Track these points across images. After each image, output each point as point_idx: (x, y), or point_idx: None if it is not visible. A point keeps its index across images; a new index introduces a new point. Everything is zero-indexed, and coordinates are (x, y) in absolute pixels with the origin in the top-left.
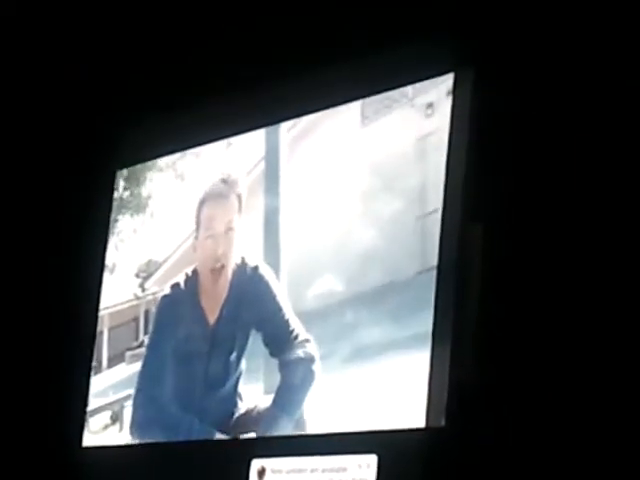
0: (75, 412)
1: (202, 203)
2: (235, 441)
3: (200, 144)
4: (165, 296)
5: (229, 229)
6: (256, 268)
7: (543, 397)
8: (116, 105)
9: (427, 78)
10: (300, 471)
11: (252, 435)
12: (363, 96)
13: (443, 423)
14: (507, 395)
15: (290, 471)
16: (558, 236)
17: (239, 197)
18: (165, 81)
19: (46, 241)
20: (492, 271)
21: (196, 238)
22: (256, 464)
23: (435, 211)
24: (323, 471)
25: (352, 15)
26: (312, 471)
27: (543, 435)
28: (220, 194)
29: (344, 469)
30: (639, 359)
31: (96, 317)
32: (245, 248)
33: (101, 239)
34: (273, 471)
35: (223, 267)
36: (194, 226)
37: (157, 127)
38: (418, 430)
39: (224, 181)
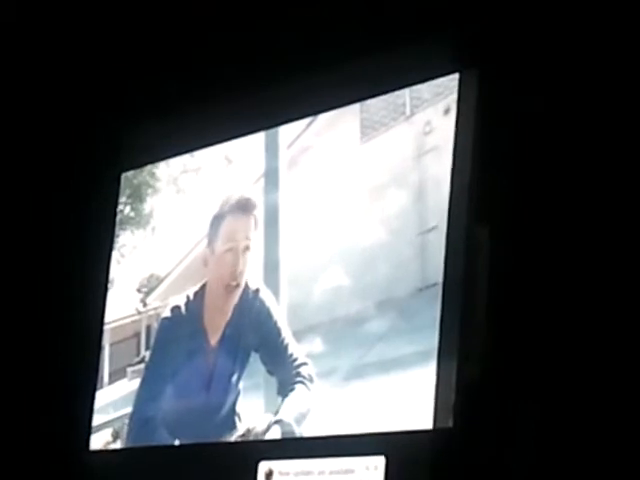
0: (83, 416)
1: (221, 216)
2: (242, 443)
3: (202, 147)
4: (165, 318)
5: (247, 248)
6: (257, 291)
7: (550, 398)
8: (118, 109)
9: (432, 79)
10: (307, 473)
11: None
12: (365, 98)
13: (451, 424)
14: (514, 396)
15: (297, 473)
16: (565, 241)
17: (256, 220)
18: (166, 84)
19: (49, 250)
20: (499, 273)
21: (211, 251)
22: (263, 466)
23: (435, 228)
24: (330, 473)
25: (356, 16)
26: (319, 473)
27: (550, 436)
28: (242, 211)
29: (352, 471)
30: None
31: (102, 323)
32: (248, 269)
33: (105, 248)
34: (281, 473)
35: (238, 286)
36: (206, 240)
37: (160, 129)
38: (426, 431)
39: (246, 200)
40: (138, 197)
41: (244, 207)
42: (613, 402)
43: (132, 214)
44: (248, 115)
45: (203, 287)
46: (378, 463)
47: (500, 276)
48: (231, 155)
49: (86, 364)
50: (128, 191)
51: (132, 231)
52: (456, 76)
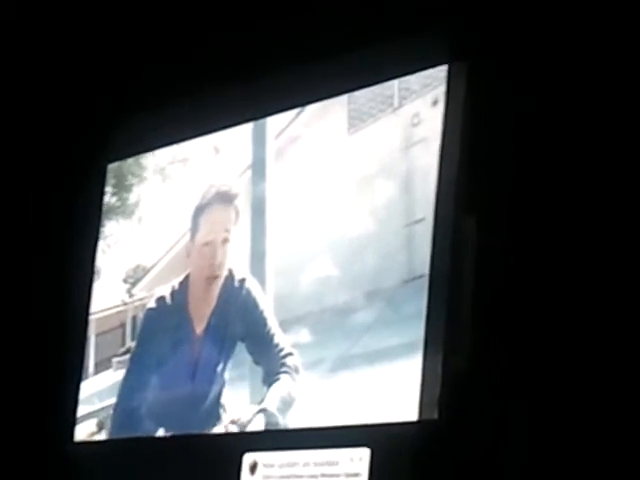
0: (67, 406)
1: (202, 208)
2: (227, 435)
3: (190, 138)
4: (150, 309)
5: (226, 240)
6: (243, 281)
7: (537, 390)
8: (105, 99)
9: (420, 71)
10: (292, 465)
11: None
12: (353, 90)
13: (436, 416)
14: (500, 387)
15: (282, 465)
16: (553, 232)
17: (237, 211)
18: (154, 75)
19: (34, 240)
20: (486, 265)
21: (192, 242)
22: (248, 458)
23: (422, 219)
24: (315, 465)
25: (345, 7)
26: (304, 465)
27: (537, 428)
28: (222, 203)
29: (336, 463)
30: (635, 355)
31: (87, 313)
32: (233, 259)
33: (91, 238)
34: (265, 465)
35: (217, 277)
36: (188, 231)
37: (147, 120)
38: (411, 423)
39: (226, 191)
40: (124, 186)
41: (223, 198)
42: (601, 394)
43: (118, 203)
44: (236, 106)
45: (187, 278)
46: (363, 455)
47: (487, 268)
48: (219, 145)
49: (71, 354)
50: (114, 180)
51: (118, 221)
52: (444, 68)
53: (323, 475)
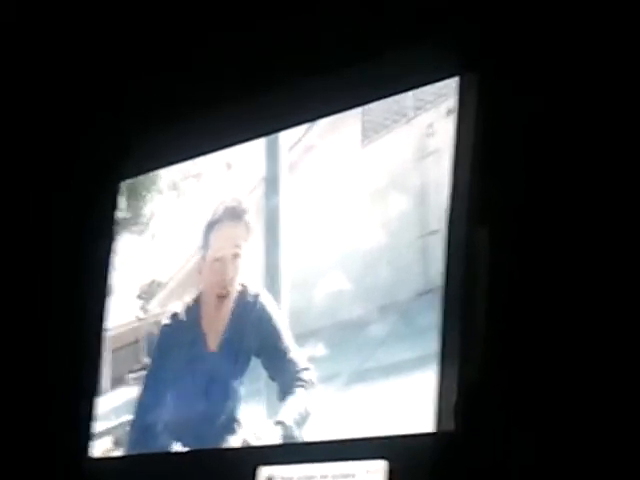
0: (83, 422)
1: (212, 225)
2: (243, 449)
3: (203, 154)
4: (165, 325)
5: (236, 255)
6: (257, 296)
7: (552, 400)
8: (117, 116)
9: (431, 83)
10: (309, 478)
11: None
12: (366, 102)
13: (452, 427)
14: (516, 399)
15: (299, 478)
16: (565, 244)
17: (247, 226)
18: (167, 92)
19: (49, 257)
20: (499, 277)
21: (203, 260)
22: (265, 472)
23: (436, 231)
24: (332, 477)
25: (355, 20)
26: (321, 477)
27: (551, 439)
28: (231, 219)
29: (353, 475)
30: None
31: (102, 330)
32: (246, 274)
33: (105, 255)
34: (282, 478)
35: (228, 294)
36: (200, 247)
37: (161, 138)
38: (427, 435)
39: (235, 207)
40: (137, 202)
41: (232, 214)
42: (614, 404)
43: (131, 219)
44: (249, 121)
45: (200, 294)
46: (379, 467)
47: (500, 279)
48: (232, 161)
49: (87, 371)
50: (127, 196)
51: (132, 237)
52: (456, 79)
53: None
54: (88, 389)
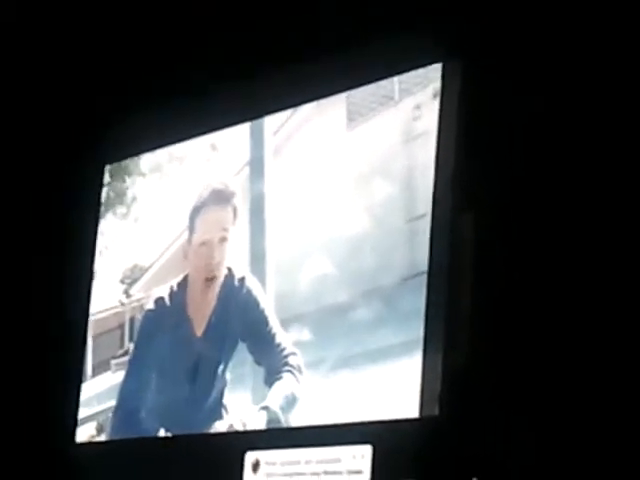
0: (68, 408)
1: (198, 209)
2: (229, 434)
3: (187, 138)
4: (149, 310)
5: (223, 239)
6: (243, 280)
7: (536, 385)
8: (103, 100)
9: (415, 69)
10: (294, 463)
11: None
12: (350, 88)
13: (437, 412)
14: (501, 385)
15: (284, 463)
16: (552, 228)
17: (235, 209)
18: (152, 76)
19: (32, 241)
20: (484, 261)
21: (189, 243)
22: (250, 457)
23: (423, 216)
24: (317, 462)
25: (339, 6)
26: (306, 462)
27: (536, 423)
28: (218, 202)
29: (338, 460)
30: (634, 354)
31: (87, 314)
32: (232, 258)
33: (90, 239)
34: (267, 463)
35: (215, 278)
36: (186, 231)
37: (145, 121)
38: (412, 420)
39: (222, 190)
40: (120, 184)
41: (219, 198)
42: (600, 390)
43: (114, 202)
44: (234, 106)
45: (185, 278)
46: (365, 452)
47: (485, 265)
48: (216, 143)
49: (72, 356)
50: (109, 178)
51: (115, 221)
52: (440, 66)
53: (326, 472)
54: (74, 374)
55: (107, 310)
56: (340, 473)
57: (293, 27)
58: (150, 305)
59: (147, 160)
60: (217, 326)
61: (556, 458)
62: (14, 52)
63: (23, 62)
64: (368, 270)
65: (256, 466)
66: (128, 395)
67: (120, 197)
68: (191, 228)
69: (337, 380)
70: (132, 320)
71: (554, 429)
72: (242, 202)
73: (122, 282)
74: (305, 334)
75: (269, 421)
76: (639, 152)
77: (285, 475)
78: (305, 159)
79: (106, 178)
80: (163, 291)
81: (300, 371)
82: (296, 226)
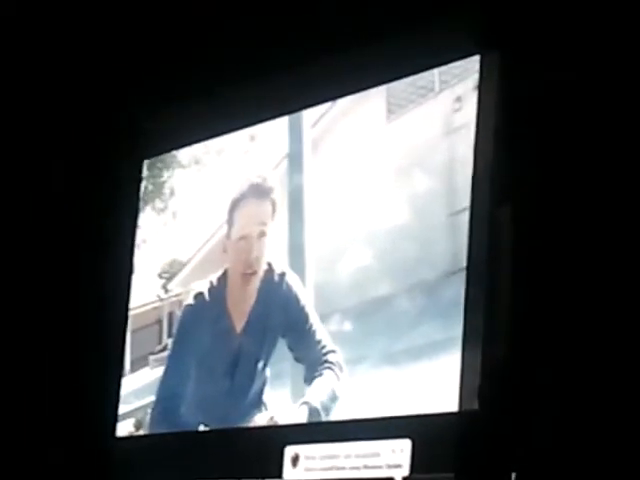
0: (109, 403)
1: (236, 203)
2: (268, 428)
3: (226, 132)
4: (188, 305)
5: (262, 233)
6: (283, 275)
7: (575, 380)
8: (140, 96)
9: (453, 61)
10: (334, 457)
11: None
12: (388, 80)
13: (476, 406)
14: (539, 378)
15: (324, 457)
16: (588, 221)
17: (274, 204)
18: (190, 70)
19: (73, 238)
20: (523, 255)
21: (228, 238)
22: (290, 451)
23: (465, 209)
24: (357, 456)
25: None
26: (346, 457)
27: (574, 417)
28: (257, 196)
29: (378, 454)
30: None
31: (127, 309)
32: (271, 253)
33: (129, 234)
34: (307, 457)
35: (255, 273)
36: (225, 225)
37: (183, 115)
38: (451, 414)
39: (260, 184)
40: (158, 179)
41: (258, 191)
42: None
43: (152, 196)
44: (272, 99)
45: (225, 273)
46: (404, 446)
47: (524, 259)
48: (255, 134)
49: (112, 351)
50: (148, 172)
51: (153, 215)
52: (478, 58)
53: (365, 467)
54: (114, 369)
55: (145, 305)
56: (380, 467)
57: (333, 19)
58: (189, 300)
59: (185, 153)
60: (257, 322)
61: (597, 453)
62: (46, 47)
63: (64, 58)
64: (410, 263)
65: (295, 460)
66: (168, 390)
67: (158, 191)
68: (230, 222)
69: (378, 377)
70: (170, 315)
71: (596, 423)
72: (281, 196)
73: (160, 277)
74: (346, 327)
75: (309, 416)
76: None
77: (324, 469)
78: (344, 152)
79: (144, 172)
80: (202, 286)
81: (340, 368)
82: (335, 219)
